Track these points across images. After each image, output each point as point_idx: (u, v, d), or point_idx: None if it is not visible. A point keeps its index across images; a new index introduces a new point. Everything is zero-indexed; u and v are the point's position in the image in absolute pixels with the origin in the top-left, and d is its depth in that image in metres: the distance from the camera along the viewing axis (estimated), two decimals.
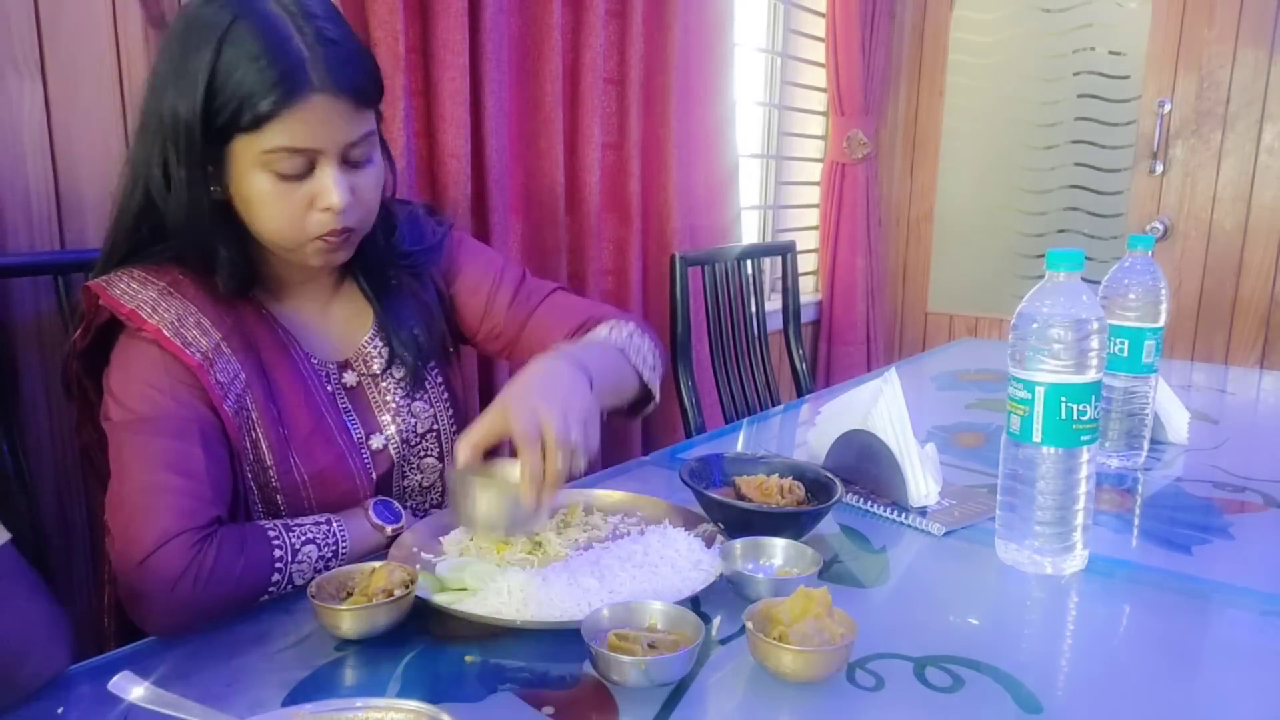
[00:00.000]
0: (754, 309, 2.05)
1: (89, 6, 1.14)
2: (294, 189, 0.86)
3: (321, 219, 0.88)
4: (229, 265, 0.91)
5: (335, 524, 0.90)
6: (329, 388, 0.99)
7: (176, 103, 0.83)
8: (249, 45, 0.81)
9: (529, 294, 1.13)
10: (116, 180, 0.91)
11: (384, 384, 1.03)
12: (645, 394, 1.09)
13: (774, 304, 2.39)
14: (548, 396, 0.83)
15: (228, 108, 0.82)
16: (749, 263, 2.02)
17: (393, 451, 1.01)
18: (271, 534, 0.85)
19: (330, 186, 0.86)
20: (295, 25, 0.83)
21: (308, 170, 0.86)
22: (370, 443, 1.00)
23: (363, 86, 0.87)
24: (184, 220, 0.87)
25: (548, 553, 0.90)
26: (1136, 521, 1.08)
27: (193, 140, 0.83)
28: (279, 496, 0.93)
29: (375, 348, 1.02)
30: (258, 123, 0.82)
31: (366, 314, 1.03)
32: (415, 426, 1.04)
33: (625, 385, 1.05)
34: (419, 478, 1.06)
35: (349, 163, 0.89)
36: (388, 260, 1.03)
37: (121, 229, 0.91)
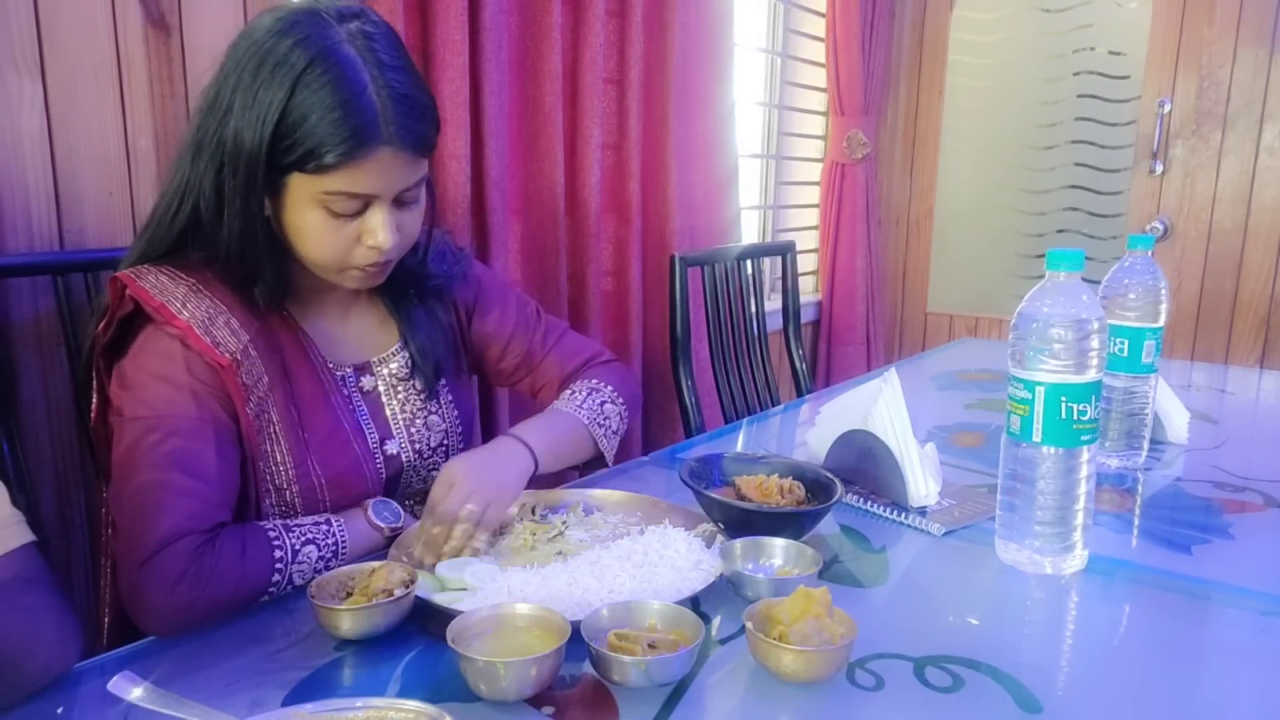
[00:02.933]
0: (754, 309, 2.05)
1: (89, 6, 1.14)
2: (345, 224, 0.88)
3: (367, 253, 0.90)
4: (271, 281, 0.92)
5: (335, 524, 0.90)
6: (345, 391, 0.99)
7: (242, 132, 0.83)
8: (325, 93, 0.82)
9: (545, 335, 1.20)
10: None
11: (403, 394, 1.04)
12: (599, 457, 1.14)
13: (774, 304, 2.38)
14: (476, 479, 0.92)
15: (295, 149, 0.83)
16: (749, 263, 2.02)
17: (404, 459, 1.02)
18: (272, 535, 0.85)
19: (380, 227, 0.88)
20: (370, 75, 0.84)
21: (361, 210, 0.88)
22: (385, 448, 1.01)
23: (426, 139, 0.89)
24: (235, 242, 0.88)
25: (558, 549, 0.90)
26: (1136, 521, 1.08)
27: (253, 171, 0.84)
28: (296, 498, 0.93)
29: (402, 359, 1.04)
30: (322, 170, 0.83)
31: (390, 325, 1.05)
32: (429, 440, 1.05)
33: (580, 454, 1.11)
34: (422, 487, 1.06)
35: (400, 203, 0.91)
36: (413, 280, 1.05)
37: (161, 238, 0.91)
